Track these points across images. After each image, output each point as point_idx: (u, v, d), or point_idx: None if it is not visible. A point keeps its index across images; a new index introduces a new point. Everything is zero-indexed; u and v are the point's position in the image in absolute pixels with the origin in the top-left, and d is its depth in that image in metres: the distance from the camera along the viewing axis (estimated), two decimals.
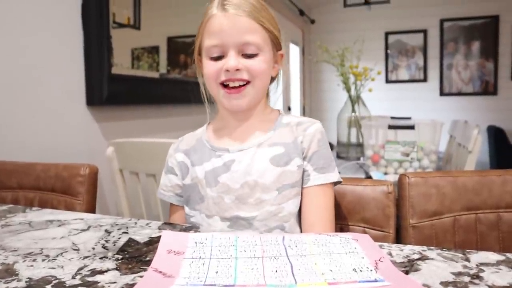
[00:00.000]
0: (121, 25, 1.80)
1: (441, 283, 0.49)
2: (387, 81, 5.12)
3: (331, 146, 3.16)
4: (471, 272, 0.53)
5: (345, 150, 2.70)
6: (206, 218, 0.86)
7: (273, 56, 0.87)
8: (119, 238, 0.69)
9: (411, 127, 2.09)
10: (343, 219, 0.94)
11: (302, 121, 0.89)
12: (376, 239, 0.71)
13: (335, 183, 0.87)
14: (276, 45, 0.87)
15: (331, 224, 0.84)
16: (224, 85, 0.83)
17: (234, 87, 0.82)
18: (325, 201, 0.85)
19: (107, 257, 0.60)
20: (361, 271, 0.53)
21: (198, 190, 0.88)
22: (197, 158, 0.90)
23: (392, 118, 3.46)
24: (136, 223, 0.79)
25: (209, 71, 0.84)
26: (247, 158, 0.85)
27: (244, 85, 0.83)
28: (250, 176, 0.83)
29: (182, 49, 2.35)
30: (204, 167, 0.87)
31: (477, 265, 0.55)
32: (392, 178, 1.91)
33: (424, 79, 5.00)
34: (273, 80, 0.93)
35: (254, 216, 0.82)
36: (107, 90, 1.65)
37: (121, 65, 1.80)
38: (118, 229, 0.74)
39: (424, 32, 4.94)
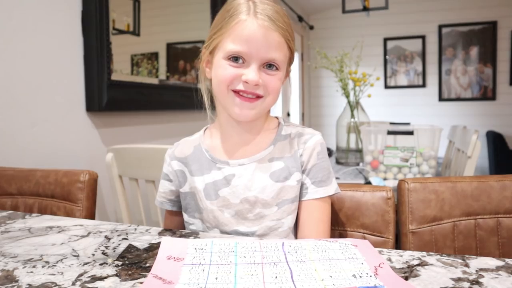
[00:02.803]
0: (120, 32, 1.81)
1: None
2: (386, 86, 5.14)
3: (330, 152, 3.17)
4: (471, 277, 0.53)
5: (344, 156, 2.70)
6: (206, 229, 0.86)
7: (286, 73, 0.86)
8: (119, 244, 0.69)
9: (410, 133, 2.09)
10: (342, 224, 0.94)
11: (302, 133, 0.87)
12: (375, 244, 0.72)
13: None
14: (290, 62, 0.86)
15: (326, 237, 0.84)
16: (236, 92, 0.80)
17: (247, 98, 0.79)
18: (321, 214, 0.84)
19: (107, 263, 0.60)
20: (360, 277, 0.53)
21: (197, 201, 0.86)
22: (196, 168, 0.87)
23: (391, 123, 3.46)
24: (135, 229, 0.79)
25: (225, 74, 0.79)
26: (248, 173, 0.83)
27: (256, 97, 0.80)
28: (250, 192, 0.82)
29: (182, 55, 2.36)
30: (204, 179, 0.86)
31: (476, 270, 0.55)
32: (392, 183, 1.91)
33: (423, 85, 5.02)
34: None
35: (253, 231, 0.82)
36: (107, 96, 1.66)
37: (121, 71, 1.81)
38: (118, 235, 0.74)
39: (423, 38, 4.96)
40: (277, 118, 0.93)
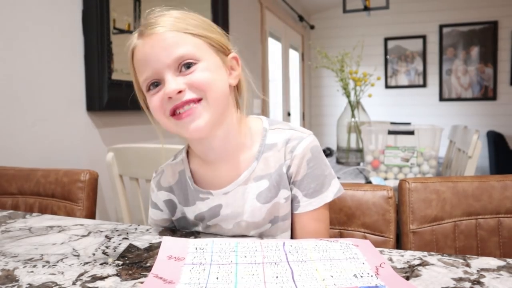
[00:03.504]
0: (121, 31, 1.81)
1: None
2: (387, 86, 5.13)
3: (331, 151, 3.17)
4: (472, 277, 0.53)
5: (345, 156, 2.70)
6: None
7: (222, 62, 0.74)
8: (120, 244, 0.69)
9: (411, 133, 2.09)
10: (343, 224, 0.94)
11: (290, 138, 0.77)
12: (376, 244, 0.71)
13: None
14: (222, 49, 0.75)
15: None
16: (174, 114, 0.71)
17: (184, 112, 0.69)
18: (316, 226, 0.79)
19: (107, 263, 0.60)
20: (361, 276, 0.53)
21: (192, 225, 0.83)
22: (182, 199, 0.82)
23: (392, 123, 3.46)
24: (136, 228, 0.79)
25: (153, 105, 0.71)
26: (234, 200, 0.77)
27: (195, 103, 0.69)
28: (240, 217, 0.77)
29: None
30: (192, 210, 0.80)
31: (477, 270, 0.55)
32: (392, 183, 1.91)
33: (424, 85, 5.01)
34: (238, 89, 0.79)
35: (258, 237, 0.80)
36: (107, 95, 1.65)
37: (121, 71, 1.80)
38: (119, 235, 0.74)
39: (424, 37, 4.96)
40: (260, 119, 0.82)
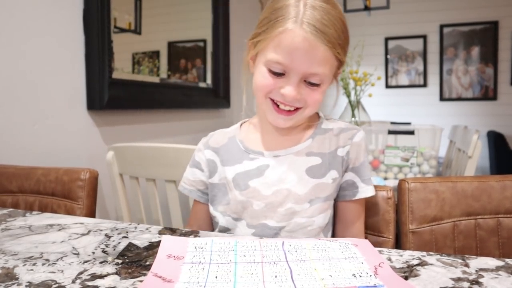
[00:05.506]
0: (122, 30, 1.81)
1: None
2: (387, 86, 5.13)
3: None
4: (471, 277, 0.53)
5: None
6: (232, 221, 0.83)
7: (331, 81, 0.82)
8: (119, 243, 0.69)
9: (411, 132, 2.09)
10: None
11: (345, 128, 0.84)
12: (375, 244, 0.72)
13: None
14: (339, 67, 0.81)
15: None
16: (272, 100, 0.78)
17: (284, 110, 0.77)
18: (362, 217, 0.84)
19: (107, 262, 0.60)
20: (360, 276, 0.53)
21: (225, 191, 0.84)
22: (227, 158, 0.85)
23: (392, 123, 3.46)
24: (136, 227, 0.79)
25: (262, 83, 0.77)
26: (283, 165, 0.81)
27: (294, 109, 0.78)
28: (283, 184, 0.79)
29: (183, 54, 2.35)
30: (235, 169, 0.83)
31: (476, 270, 0.55)
32: (392, 183, 1.91)
33: (424, 84, 5.01)
34: None
35: (282, 226, 0.80)
36: (108, 94, 1.65)
37: (122, 69, 1.81)
38: (118, 234, 0.74)
39: (424, 37, 4.95)
40: (317, 112, 0.89)
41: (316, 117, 0.87)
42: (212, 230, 0.92)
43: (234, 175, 0.83)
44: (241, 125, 0.91)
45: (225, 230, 0.85)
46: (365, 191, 0.82)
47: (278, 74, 0.75)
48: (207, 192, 0.90)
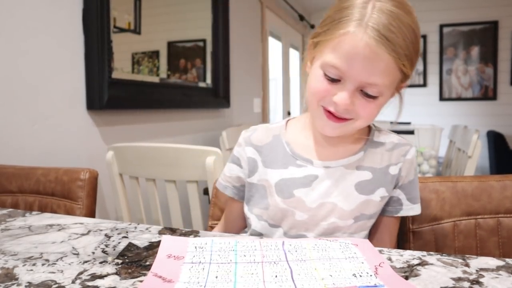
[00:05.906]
0: (121, 30, 1.81)
1: None
2: None
3: None
4: (471, 277, 0.53)
5: None
6: (268, 227, 0.80)
7: (391, 96, 0.75)
8: (119, 243, 0.69)
9: (411, 132, 2.09)
10: None
11: (398, 143, 0.79)
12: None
13: None
14: (402, 84, 0.74)
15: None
16: (325, 109, 0.72)
17: (334, 117, 0.71)
18: (395, 234, 0.83)
19: (107, 262, 0.60)
20: (360, 276, 0.53)
21: (264, 195, 0.79)
22: (271, 160, 0.79)
23: (392, 123, 3.46)
24: (136, 227, 0.79)
25: (316, 88, 0.71)
26: (332, 177, 0.76)
27: (345, 119, 0.71)
28: (330, 198, 0.75)
29: (183, 54, 2.35)
30: (280, 174, 0.78)
31: (476, 270, 0.55)
32: None
33: (424, 84, 5.01)
34: None
35: None
36: (107, 94, 1.65)
37: (122, 69, 1.80)
38: (118, 234, 0.74)
39: (424, 37, 4.95)
40: None
41: (366, 128, 0.81)
42: (245, 228, 0.88)
43: (278, 180, 0.77)
44: (286, 123, 0.84)
45: (258, 235, 0.81)
46: (408, 210, 0.79)
47: (333, 80, 0.68)
48: (243, 190, 0.85)
